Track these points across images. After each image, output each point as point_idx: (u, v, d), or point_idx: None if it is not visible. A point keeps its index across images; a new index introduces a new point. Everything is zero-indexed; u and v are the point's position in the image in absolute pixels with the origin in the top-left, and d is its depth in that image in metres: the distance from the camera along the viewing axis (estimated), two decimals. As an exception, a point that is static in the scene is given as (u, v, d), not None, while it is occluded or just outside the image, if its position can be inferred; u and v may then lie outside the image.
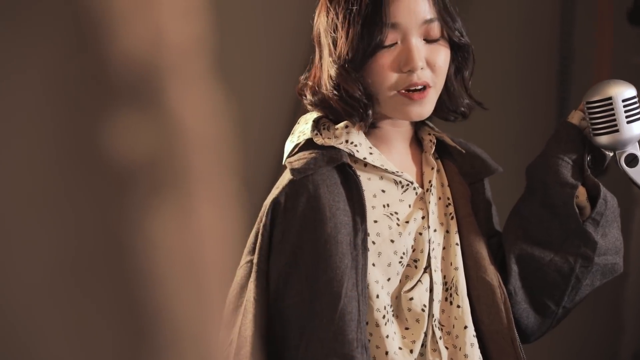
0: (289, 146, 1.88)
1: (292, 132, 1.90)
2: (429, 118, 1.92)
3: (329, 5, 1.83)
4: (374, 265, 1.80)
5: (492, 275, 1.88)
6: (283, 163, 1.86)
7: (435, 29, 1.82)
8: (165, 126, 0.54)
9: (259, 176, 2.90)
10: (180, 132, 0.54)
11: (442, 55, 1.83)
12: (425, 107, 1.83)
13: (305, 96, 1.89)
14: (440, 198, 1.92)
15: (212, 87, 0.55)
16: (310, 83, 1.89)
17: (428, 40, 1.82)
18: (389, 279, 1.82)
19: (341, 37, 1.80)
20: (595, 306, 3.07)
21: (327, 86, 1.83)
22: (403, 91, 1.80)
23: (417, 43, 1.80)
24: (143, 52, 0.52)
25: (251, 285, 1.79)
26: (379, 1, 1.78)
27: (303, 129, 1.87)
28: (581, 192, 1.89)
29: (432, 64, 1.81)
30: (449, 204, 1.92)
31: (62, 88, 0.52)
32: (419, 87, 1.80)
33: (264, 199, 1.84)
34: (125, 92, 0.52)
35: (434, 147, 1.93)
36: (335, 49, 1.81)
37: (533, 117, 3.21)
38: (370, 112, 1.81)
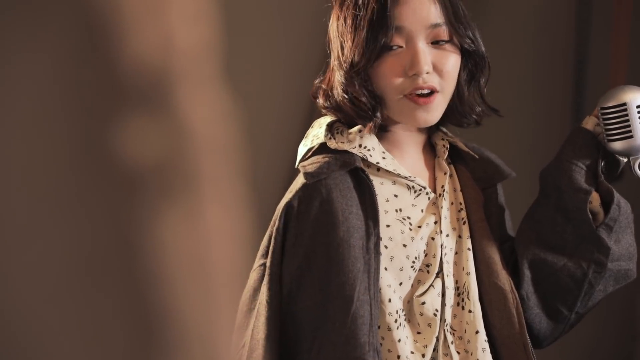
0: (302, 150, 1.88)
1: (305, 135, 1.91)
2: (442, 124, 1.93)
3: (339, 10, 1.85)
4: (386, 269, 1.81)
5: (505, 280, 1.88)
6: (296, 167, 1.86)
7: (443, 34, 1.82)
8: (175, 130, 0.55)
9: (273, 179, 2.91)
10: (189, 136, 0.54)
11: (451, 60, 1.83)
12: (431, 113, 1.83)
13: (319, 99, 1.90)
14: (452, 203, 1.92)
15: (221, 91, 0.55)
16: (324, 87, 1.90)
17: (436, 44, 1.82)
18: (401, 284, 1.83)
19: (348, 41, 1.82)
20: (608, 312, 3.07)
21: (338, 90, 1.84)
22: (409, 95, 1.80)
23: (423, 47, 1.80)
24: (153, 57, 0.53)
25: (264, 288, 1.80)
26: (385, 5, 1.79)
27: (317, 132, 1.88)
28: (595, 198, 1.89)
29: (440, 69, 1.82)
30: (462, 209, 1.92)
31: (74, 91, 0.53)
32: (425, 91, 1.80)
33: (277, 203, 1.85)
34: (135, 96, 0.53)
35: (447, 152, 1.93)
36: (342, 53, 1.83)
37: (548, 122, 3.21)
38: (378, 114, 1.82)
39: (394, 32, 1.79)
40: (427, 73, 1.80)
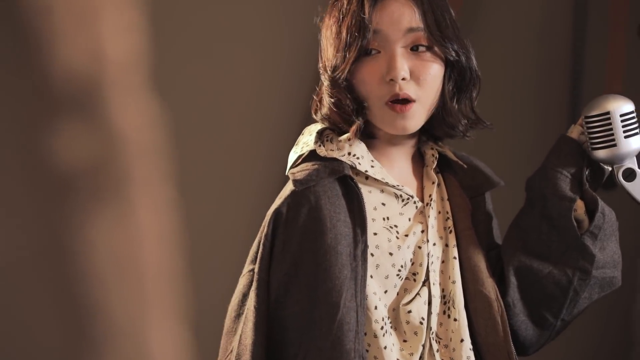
0: (292, 157, 1.91)
1: (296, 142, 1.94)
2: (428, 135, 1.95)
3: (327, 18, 1.89)
4: (371, 277, 1.83)
5: (490, 288, 1.89)
6: (286, 174, 1.89)
7: (422, 40, 1.83)
8: (106, 135, 0.57)
9: (268, 185, 2.93)
10: (120, 141, 0.57)
11: (429, 69, 1.84)
12: (409, 121, 1.84)
13: (317, 113, 1.93)
14: (439, 212, 1.94)
15: (150, 99, 0.58)
16: (317, 98, 1.93)
17: (415, 51, 1.84)
18: (386, 291, 1.84)
19: (332, 46, 1.85)
20: (606, 320, 3.08)
21: (325, 96, 1.88)
22: (388, 103, 1.83)
23: (400, 52, 1.82)
24: (84, 65, 0.56)
25: (252, 294, 1.82)
26: (364, 9, 1.82)
27: (307, 140, 1.91)
28: (579, 206, 1.91)
29: (417, 76, 1.83)
30: (448, 217, 1.94)
31: (6, 97, 0.56)
32: (401, 98, 1.82)
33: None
34: (67, 103, 0.56)
35: (435, 162, 1.95)
36: (328, 58, 1.86)
37: (544, 130, 3.22)
38: (361, 118, 1.84)
39: (372, 36, 1.82)
40: (404, 79, 1.81)
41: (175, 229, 0.60)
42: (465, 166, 1.97)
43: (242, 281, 1.87)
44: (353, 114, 1.84)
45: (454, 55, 1.85)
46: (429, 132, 1.95)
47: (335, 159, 1.85)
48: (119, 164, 0.57)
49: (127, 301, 0.57)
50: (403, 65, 1.81)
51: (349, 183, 1.83)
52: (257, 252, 1.85)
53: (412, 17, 1.83)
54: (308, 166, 1.85)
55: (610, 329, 3.19)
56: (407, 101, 1.82)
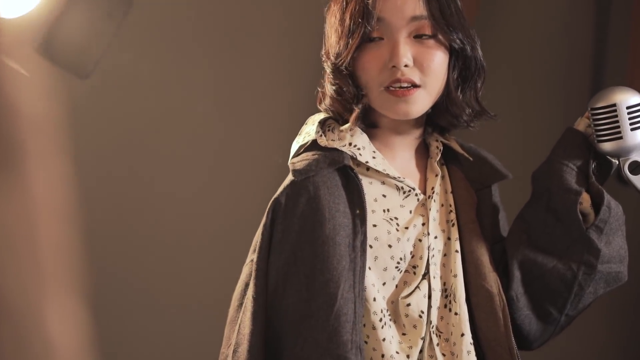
0: (294, 147, 1.90)
1: (299, 132, 1.93)
2: (433, 125, 1.93)
3: (333, 5, 1.88)
4: (369, 268, 1.81)
5: (492, 282, 1.87)
6: (288, 163, 1.88)
7: (425, 28, 1.82)
8: (1, 110, 0.56)
9: (272, 177, 2.94)
10: (15, 117, 0.56)
11: (433, 56, 1.82)
12: (412, 106, 1.82)
13: (321, 103, 1.92)
14: (442, 205, 1.91)
15: (46, 71, 0.57)
16: (322, 90, 1.92)
17: (418, 39, 1.82)
18: (384, 284, 1.83)
19: (336, 33, 1.85)
20: (614, 320, 3.04)
21: (327, 84, 1.87)
22: (389, 88, 1.81)
23: (403, 39, 1.81)
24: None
25: (251, 283, 1.81)
26: None
27: (309, 130, 1.90)
28: (585, 199, 1.88)
29: (421, 63, 1.81)
30: (452, 210, 1.91)
31: None
32: (404, 84, 1.80)
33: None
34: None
35: (439, 154, 1.93)
36: (331, 45, 1.85)
37: (564, 123, 3.19)
38: (360, 105, 1.83)
39: (375, 24, 1.81)
40: (407, 66, 1.80)
41: (72, 204, 0.59)
42: (470, 158, 1.95)
43: (245, 270, 1.87)
44: (353, 100, 1.83)
45: (458, 43, 1.84)
46: (434, 123, 1.93)
47: (336, 149, 1.84)
48: (14, 139, 0.57)
49: (22, 277, 0.57)
50: (406, 52, 1.80)
51: (349, 174, 1.82)
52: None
53: (416, 5, 1.82)
54: (308, 156, 1.84)
55: (621, 328, 3.15)
56: (410, 86, 1.81)
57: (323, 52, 1.90)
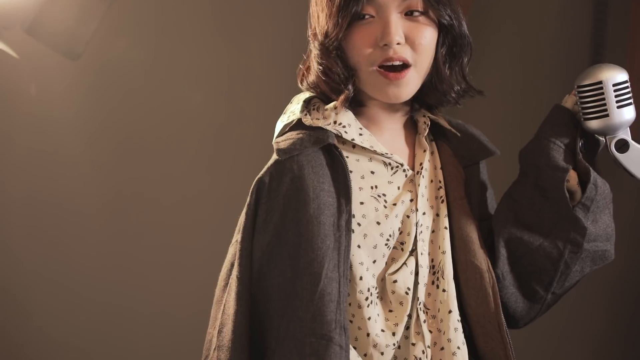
0: (279, 125, 1.89)
1: (284, 111, 1.92)
2: (420, 102, 1.92)
3: None
4: (359, 247, 1.80)
5: (481, 259, 1.86)
6: (272, 142, 1.87)
7: (416, 4, 1.80)
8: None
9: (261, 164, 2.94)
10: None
11: (425, 33, 1.81)
12: (403, 88, 1.82)
13: (303, 82, 1.91)
14: (432, 181, 1.91)
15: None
16: (303, 67, 1.91)
17: (409, 16, 1.81)
18: (374, 261, 1.82)
19: (324, 12, 1.82)
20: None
21: (313, 63, 1.85)
22: (380, 69, 1.80)
23: (394, 17, 1.79)
24: None
25: (235, 263, 1.81)
26: None
27: (294, 109, 1.89)
28: (572, 177, 1.87)
29: (412, 41, 1.80)
30: (441, 187, 1.91)
31: None
32: (396, 62, 1.79)
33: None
34: None
35: (427, 129, 1.92)
36: (318, 24, 1.84)
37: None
38: (350, 86, 1.82)
39: (366, 2, 1.79)
40: (398, 44, 1.79)
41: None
42: (458, 134, 1.94)
43: (230, 250, 1.87)
44: (342, 82, 1.82)
45: (447, 19, 1.83)
46: (422, 100, 1.91)
47: (320, 128, 1.83)
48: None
49: None
50: (398, 29, 1.79)
51: (334, 152, 1.81)
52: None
53: None
54: (293, 135, 1.83)
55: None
56: (403, 67, 1.80)
57: (309, 32, 1.89)
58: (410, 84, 1.82)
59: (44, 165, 3.17)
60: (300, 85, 1.92)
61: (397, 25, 1.79)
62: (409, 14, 1.81)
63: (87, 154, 3.25)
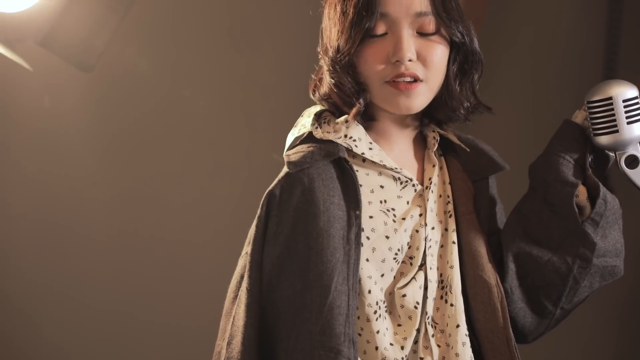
0: (290, 139, 1.90)
1: (295, 124, 1.92)
2: (431, 118, 1.92)
3: None
4: (367, 260, 1.81)
5: (490, 273, 1.86)
6: (283, 155, 1.88)
7: (430, 24, 1.82)
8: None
9: (268, 175, 2.96)
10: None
11: (436, 51, 1.82)
12: (413, 99, 1.82)
13: (315, 93, 1.92)
14: (440, 196, 1.91)
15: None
16: (315, 78, 1.92)
17: (422, 34, 1.82)
18: (382, 275, 1.83)
19: (336, 27, 1.83)
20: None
21: (326, 77, 1.86)
22: (391, 82, 1.81)
23: (407, 34, 1.80)
24: None
25: (245, 275, 1.81)
26: None
27: (305, 122, 1.89)
28: (581, 192, 1.87)
29: (424, 58, 1.81)
30: (449, 201, 1.91)
31: None
32: (408, 79, 1.80)
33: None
34: None
35: (437, 144, 1.93)
36: (330, 39, 1.85)
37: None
38: (362, 100, 1.82)
39: (379, 18, 1.80)
40: (410, 61, 1.80)
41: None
42: (467, 149, 1.94)
43: (240, 262, 1.87)
44: (354, 95, 1.83)
45: (459, 37, 1.84)
46: (431, 116, 1.92)
47: (331, 142, 1.83)
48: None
49: None
50: (410, 47, 1.80)
51: (344, 166, 1.82)
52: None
53: (421, 1, 1.81)
54: (304, 148, 1.84)
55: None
56: (413, 81, 1.81)
57: (320, 48, 1.89)
58: (420, 95, 1.83)
59: (57, 176, 3.17)
60: (312, 96, 1.93)
61: (410, 42, 1.80)
62: (421, 31, 1.82)
63: (100, 164, 3.26)
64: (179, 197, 3.39)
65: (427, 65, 1.82)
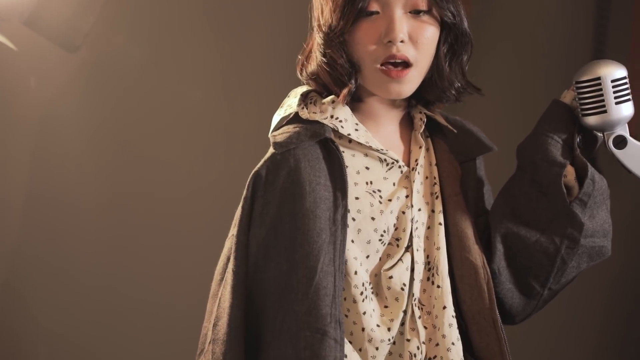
0: (275, 119, 1.89)
1: (281, 105, 1.91)
2: (420, 98, 1.91)
3: None
4: (352, 241, 1.80)
5: (476, 255, 1.86)
6: (269, 136, 1.86)
7: (422, 3, 1.81)
8: None
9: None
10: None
11: (427, 32, 1.82)
12: (404, 86, 1.82)
13: (302, 73, 1.91)
14: (427, 177, 1.90)
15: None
16: (302, 57, 1.91)
17: (414, 14, 1.81)
18: (368, 257, 1.82)
19: (328, 4, 1.82)
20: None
21: (316, 54, 1.85)
22: (383, 67, 1.80)
23: (399, 14, 1.80)
24: None
25: (231, 257, 1.81)
26: None
27: (291, 102, 1.88)
28: (570, 172, 1.86)
29: (415, 40, 1.81)
30: (436, 183, 1.90)
31: None
32: (398, 60, 1.79)
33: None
34: None
35: (423, 126, 1.92)
36: (322, 16, 1.83)
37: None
38: (353, 80, 1.81)
39: None
40: (402, 42, 1.79)
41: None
42: (454, 130, 1.93)
43: (227, 244, 1.86)
44: (346, 75, 1.81)
45: (450, 17, 1.83)
46: (420, 97, 1.91)
47: (317, 122, 1.82)
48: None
49: None
50: (402, 27, 1.79)
51: (330, 146, 1.81)
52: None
53: None
54: (289, 129, 1.83)
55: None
56: (404, 65, 1.80)
57: (314, 22, 1.88)
58: (411, 81, 1.83)
59: (44, 158, 3.17)
60: (299, 75, 1.91)
61: (402, 23, 1.80)
62: (413, 12, 1.81)
63: (86, 147, 3.25)
64: (169, 179, 3.38)
65: (418, 47, 1.81)
